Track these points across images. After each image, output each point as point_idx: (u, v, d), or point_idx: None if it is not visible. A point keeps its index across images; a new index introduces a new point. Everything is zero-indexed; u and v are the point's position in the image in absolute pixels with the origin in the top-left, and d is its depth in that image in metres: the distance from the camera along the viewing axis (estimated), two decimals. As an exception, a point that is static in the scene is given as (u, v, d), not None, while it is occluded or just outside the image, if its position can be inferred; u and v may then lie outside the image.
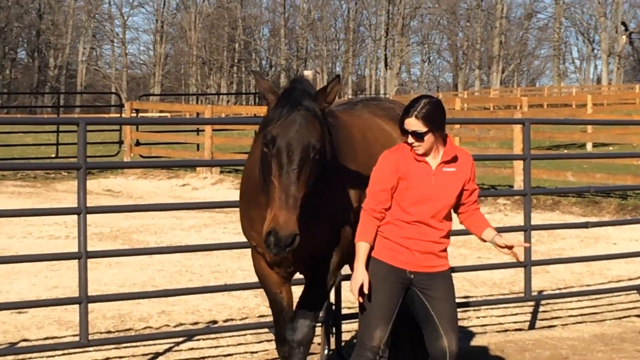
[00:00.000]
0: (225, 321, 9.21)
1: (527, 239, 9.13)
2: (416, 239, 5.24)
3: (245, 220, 5.71)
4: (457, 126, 22.18)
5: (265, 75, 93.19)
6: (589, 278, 11.73)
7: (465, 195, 5.36)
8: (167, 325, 9.02)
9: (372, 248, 5.28)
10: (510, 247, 5.31)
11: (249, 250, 5.87)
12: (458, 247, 12.73)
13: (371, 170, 5.41)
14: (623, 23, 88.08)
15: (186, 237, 14.46)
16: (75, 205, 7.33)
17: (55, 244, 13.40)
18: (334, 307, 7.92)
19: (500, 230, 5.51)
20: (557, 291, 10.89)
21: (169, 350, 8.14)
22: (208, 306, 9.72)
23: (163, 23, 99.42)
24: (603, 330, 9.16)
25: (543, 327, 9.26)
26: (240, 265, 11.63)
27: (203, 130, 25.70)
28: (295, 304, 5.70)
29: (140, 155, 25.91)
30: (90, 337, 7.45)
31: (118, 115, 39.86)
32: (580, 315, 9.83)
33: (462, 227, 5.66)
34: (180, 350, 8.17)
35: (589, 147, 28.08)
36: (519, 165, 18.10)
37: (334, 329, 7.91)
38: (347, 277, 7.39)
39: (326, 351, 7.84)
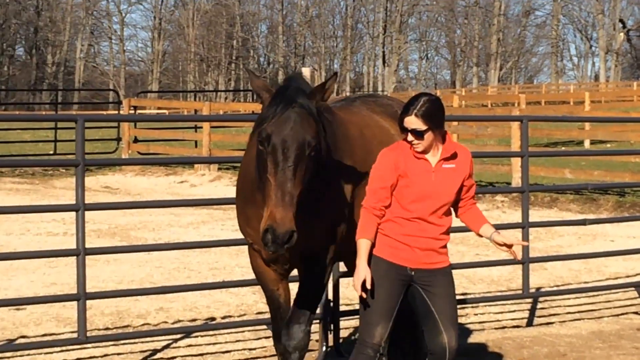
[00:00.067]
0: (223, 318, 9.21)
1: (525, 236, 9.14)
2: (416, 236, 5.24)
3: (241, 217, 5.71)
4: (455, 123, 22.19)
5: (263, 72, 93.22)
6: (587, 275, 11.74)
7: (464, 190, 5.37)
8: (165, 322, 9.02)
9: (373, 245, 5.28)
10: (509, 246, 5.31)
11: (246, 247, 5.88)
12: (456, 244, 12.73)
13: (368, 166, 5.41)
14: (621, 20, 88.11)
15: (184, 234, 14.46)
16: (74, 202, 7.34)
17: (54, 241, 13.40)
18: (332, 304, 7.93)
19: (497, 227, 5.51)
20: (555, 288, 10.89)
21: (167, 347, 8.14)
22: (206, 303, 9.72)
23: (161, 20, 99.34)
24: (601, 327, 9.17)
25: (541, 324, 9.27)
26: (238, 262, 11.64)
27: (201, 127, 25.69)
28: (292, 300, 5.70)
29: (138, 152, 25.90)
30: (88, 334, 7.46)
31: (116, 112, 39.86)
32: (578, 312, 9.84)
33: (459, 224, 5.67)
34: (178, 347, 8.17)
35: (587, 144, 28.09)
36: (516, 162, 18.11)
37: (332, 325, 7.92)
38: (345, 274, 7.42)
39: (324, 348, 7.85)
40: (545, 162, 19.89)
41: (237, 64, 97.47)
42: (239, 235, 5.97)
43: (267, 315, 6.66)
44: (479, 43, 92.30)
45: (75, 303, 7.44)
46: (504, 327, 9.13)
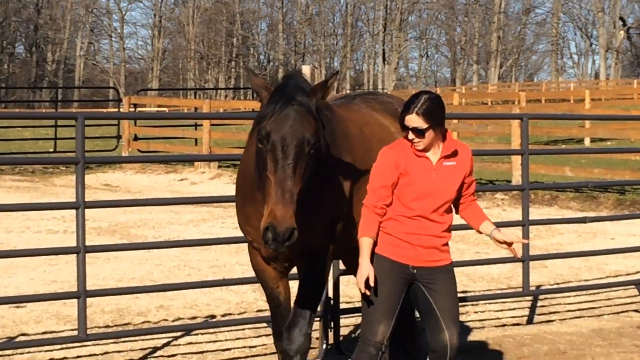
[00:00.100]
0: (223, 316, 9.21)
1: (525, 233, 9.14)
2: (418, 234, 5.24)
3: (241, 216, 5.70)
4: (455, 121, 22.18)
5: (263, 70, 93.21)
6: (587, 273, 11.74)
7: (464, 188, 5.37)
8: (166, 320, 9.02)
9: (375, 243, 5.28)
10: (509, 244, 5.32)
11: (246, 245, 5.88)
12: (456, 242, 12.73)
13: (368, 164, 5.41)
14: (621, 18, 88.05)
15: (184, 231, 14.46)
16: (74, 200, 7.34)
17: (54, 239, 13.41)
18: (332, 301, 7.93)
19: (498, 225, 5.52)
20: (555, 286, 10.90)
21: (167, 344, 8.14)
22: (206, 301, 9.72)
23: (161, 18, 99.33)
24: (601, 325, 9.18)
25: (541, 322, 9.27)
26: (238, 260, 11.64)
27: (201, 125, 25.69)
28: (292, 298, 5.69)
29: (139, 150, 25.90)
30: (88, 332, 7.46)
31: (116, 109, 39.89)
32: (578, 310, 9.84)
33: (460, 222, 5.67)
34: (179, 344, 8.17)
35: (587, 142, 28.09)
36: (517, 160, 18.10)
37: (332, 323, 7.92)
38: (345, 272, 7.42)
39: (324, 346, 7.85)
40: (546, 159, 19.90)
41: (237, 61, 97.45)
42: (239, 233, 5.97)
43: (268, 313, 6.65)
44: (479, 41, 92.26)
45: (75, 301, 7.44)
46: (504, 325, 9.13)
